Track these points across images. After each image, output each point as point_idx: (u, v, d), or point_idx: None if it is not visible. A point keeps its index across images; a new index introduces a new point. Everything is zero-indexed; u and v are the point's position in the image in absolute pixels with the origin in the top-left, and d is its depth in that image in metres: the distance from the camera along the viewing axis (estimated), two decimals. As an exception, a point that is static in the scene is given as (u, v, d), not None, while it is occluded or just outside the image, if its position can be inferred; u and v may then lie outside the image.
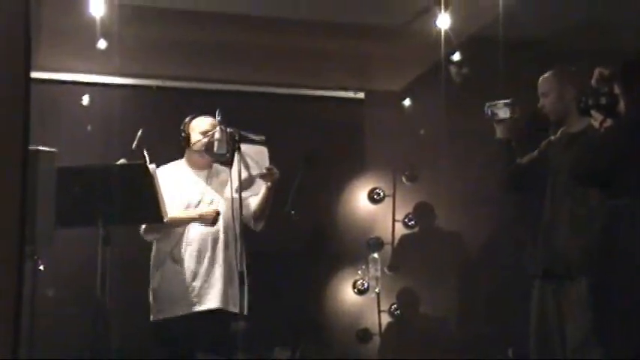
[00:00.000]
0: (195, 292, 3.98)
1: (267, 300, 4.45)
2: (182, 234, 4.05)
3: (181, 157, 4.22)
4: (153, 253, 4.11)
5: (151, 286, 4.09)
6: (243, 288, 3.71)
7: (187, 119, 4.18)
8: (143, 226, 4.04)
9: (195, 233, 4.05)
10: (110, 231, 3.57)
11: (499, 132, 3.89)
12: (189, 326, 3.95)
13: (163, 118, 4.83)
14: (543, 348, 3.73)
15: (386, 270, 6.02)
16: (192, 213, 4.06)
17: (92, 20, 4.81)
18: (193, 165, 4.19)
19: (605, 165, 3.07)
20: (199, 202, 4.09)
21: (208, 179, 4.16)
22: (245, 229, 3.93)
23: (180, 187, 4.09)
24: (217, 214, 4.06)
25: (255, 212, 4.15)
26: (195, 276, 4.00)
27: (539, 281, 3.79)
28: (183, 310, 3.97)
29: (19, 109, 1.63)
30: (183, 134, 4.15)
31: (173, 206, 3.99)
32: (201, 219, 4.04)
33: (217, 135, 3.98)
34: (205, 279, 4.00)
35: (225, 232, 4.07)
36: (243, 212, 3.81)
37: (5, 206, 1.62)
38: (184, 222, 4.04)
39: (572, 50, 4.90)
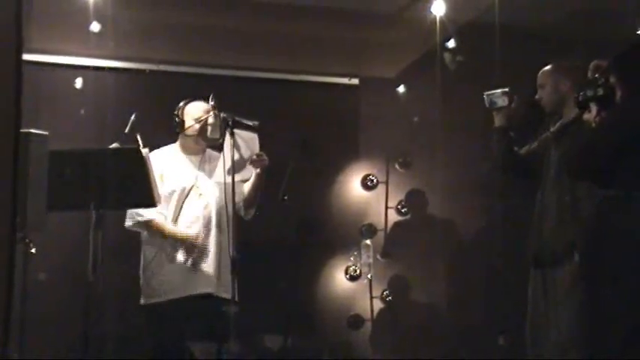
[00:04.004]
0: (187, 277, 3.97)
1: (258, 286, 4.44)
2: (175, 218, 4.03)
3: (174, 141, 4.20)
4: (144, 237, 4.09)
5: (142, 270, 4.08)
6: (235, 273, 3.70)
7: (182, 104, 4.14)
8: (129, 222, 4.03)
9: (187, 217, 4.04)
10: (102, 215, 3.55)
11: (497, 120, 3.92)
12: (180, 310, 3.93)
13: (156, 102, 4.80)
14: (536, 333, 3.76)
15: (378, 256, 6.03)
16: (172, 228, 4.00)
17: (85, 2, 4.78)
18: (186, 150, 4.16)
19: (598, 160, 3.07)
20: (192, 186, 4.07)
21: (201, 164, 4.13)
22: (236, 215, 3.92)
23: (172, 171, 4.07)
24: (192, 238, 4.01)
25: (245, 199, 4.13)
26: (186, 260, 3.99)
27: (531, 268, 3.83)
28: (175, 294, 3.96)
29: (10, 93, 1.61)
30: (177, 119, 4.12)
31: (165, 191, 3.99)
32: (181, 239, 4.00)
33: (211, 120, 3.98)
34: (197, 263, 3.99)
35: (218, 217, 4.05)
36: (235, 198, 3.79)
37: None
38: (167, 232, 4.01)
39: (569, 38, 4.89)
